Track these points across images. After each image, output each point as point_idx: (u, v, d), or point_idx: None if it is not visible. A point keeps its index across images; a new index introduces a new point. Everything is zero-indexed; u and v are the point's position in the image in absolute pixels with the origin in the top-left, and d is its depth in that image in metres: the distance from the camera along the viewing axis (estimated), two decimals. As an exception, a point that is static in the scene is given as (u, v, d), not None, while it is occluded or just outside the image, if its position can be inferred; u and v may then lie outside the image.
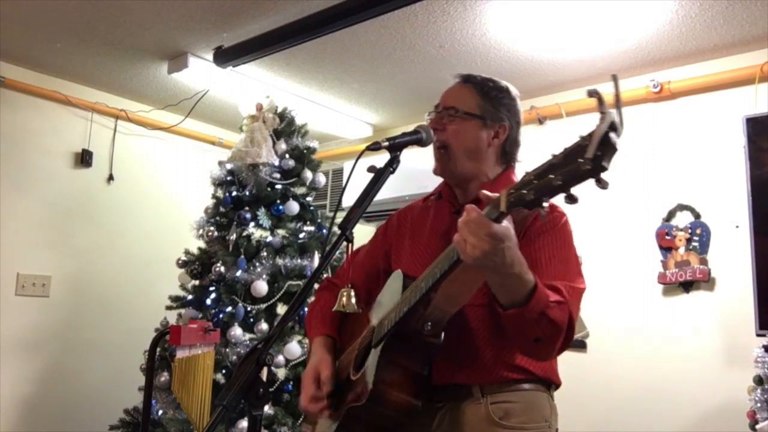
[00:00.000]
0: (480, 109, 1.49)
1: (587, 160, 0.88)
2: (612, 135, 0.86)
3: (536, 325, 1.19)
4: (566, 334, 1.26)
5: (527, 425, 1.37)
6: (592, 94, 0.92)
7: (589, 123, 0.88)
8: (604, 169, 0.88)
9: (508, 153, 1.54)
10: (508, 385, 1.39)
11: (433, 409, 1.41)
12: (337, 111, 3.80)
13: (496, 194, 1.06)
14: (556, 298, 1.23)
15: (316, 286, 2.65)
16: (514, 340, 1.29)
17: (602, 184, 0.89)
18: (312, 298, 3.04)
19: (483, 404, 1.37)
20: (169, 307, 3.01)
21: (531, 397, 1.41)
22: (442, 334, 1.34)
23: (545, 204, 0.97)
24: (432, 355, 1.36)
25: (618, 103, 0.88)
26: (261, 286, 2.79)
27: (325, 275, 2.93)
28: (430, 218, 1.58)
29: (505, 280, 1.17)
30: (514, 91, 1.56)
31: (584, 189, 0.93)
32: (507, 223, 1.09)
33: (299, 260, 2.90)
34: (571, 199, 0.94)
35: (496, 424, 1.35)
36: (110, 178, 3.69)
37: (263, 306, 2.84)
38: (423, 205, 1.65)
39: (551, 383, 1.47)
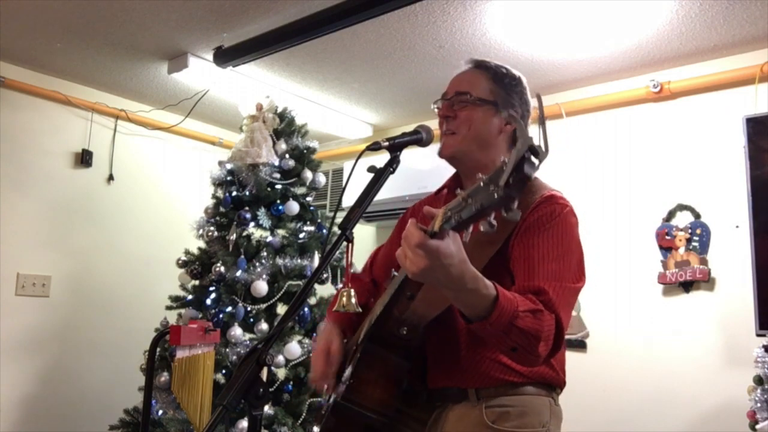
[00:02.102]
0: (493, 95, 1.44)
1: (498, 188, 0.83)
2: (527, 163, 0.82)
3: (506, 336, 1.15)
4: (554, 341, 1.21)
5: (521, 429, 1.34)
6: (510, 120, 0.88)
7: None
8: (512, 199, 0.83)
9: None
10: (505, 388, 1.37)
11: (431, 408, 1.42)
12: (337, 111, 3.80)
13: (439, 210, 1.01)
14: (527, 306, 1.17)
15: (316, 286, 2.65)
16: (494, 348, 1.27)
17: (511, 215, 0.84)
18: (312, 299, 3.07)
19: (478, 407, 1.36)
20: (169, 307, 3.01)
21: (528, 401, 1.37)
22: (419, 338, 1.34)
23: (470, 228, 0.94)
24: (410, 357, 1.36)
25: (542, 124, 0.84)
26: (261, 286, 2.79)
27: (325, 275, 2.94)
28: None
29: (459, 295, 1.11)
30: (525, 81, 1.51)
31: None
32: (449, 240, 1.03)
33: (299, 260, 2.90)
34: (490, 225, 0.88)
35: (488, 428, 1.34)
36: (110, 178, 3.68)
37: (263, 306, 2.84)
38: (435, 198, 1.63)
39: (553, 385, 1.43)
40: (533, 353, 1.19)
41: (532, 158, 0.82)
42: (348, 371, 1.37)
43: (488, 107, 1.43)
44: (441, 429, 1.39)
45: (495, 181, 0.85)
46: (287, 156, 3.05)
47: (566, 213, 1.35)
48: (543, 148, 0.83)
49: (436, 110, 1.51)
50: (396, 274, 1.43)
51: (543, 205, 1.34)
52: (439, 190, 1.62)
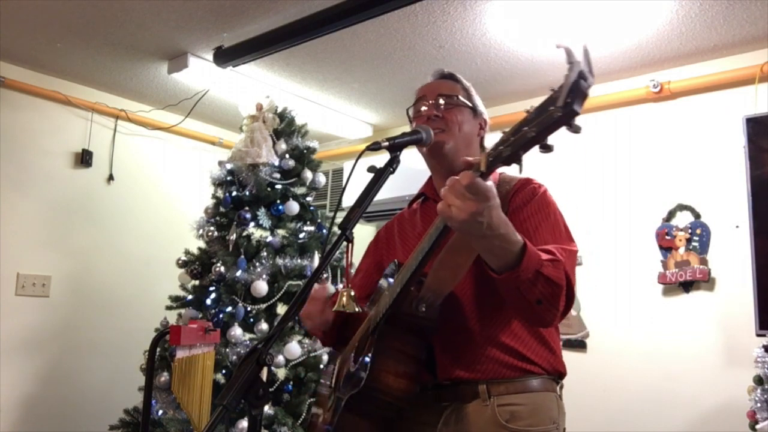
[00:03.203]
0: (470, 100, 1.55)
1: (558, 107, 0.90)
2: (582, 82, 0.89)
3: (533, 285, 1.17)
4: (567, 294, 1.24)
5: (534, 428, 1.36)
6: (560, 47, 0.96)
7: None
8: (576, 113, 0.89)
9: (484, 148, 1.57)
10: (513, 382, 1.38)
11: (440, 408, 1.41)
12: (337, 111, 3.80)
13: (477, 158, 1.06)
14: (548, 256, 1.21)
15: (316, 286, 2.64)
16: (515, 306, 1.26)
17: (574, 129, 0.91)
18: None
19: (489, 406, 1.36)
20: (169, 307, 3.01)
21: (538, 398, 1.39)
22: (435, 320, 1.34)
23: (522, 159, 1.00)
24: (428, 339, 1.36)
25: (587, 57, 0.93)
26: (261, 286, 2.79)
27: (324, 275, 2.94)
28: (419, 220, 1.60)
29: (493, 242, 1.14)
30: None
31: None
32: (491, 183, 1.08)
33: (299, 260, 2.90)
34: (547, 148, 0.96)
35: (503, 427, 1.34)
36: (110, 178, 3.69)
37: (263, 306, 2.84)
38: (409, 211, 1.68)
39: (558, 375, 1.45)
40: (556, 305, 1.22)
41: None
42: (363, 360, 1.36)
43: (469, 110, 1.55)
44: (453, 429, 1.39)
45: (552, 104, 0.91)
46: (287, 156, 3.05)
47: (544, 191, 1.46)
48: (591, 75, 0.91)
49: (409, 114, 1.57)
50: (396, 260, 1.44)
51: (522, 188, 1.45)
52: (413, 202, 1.67)
